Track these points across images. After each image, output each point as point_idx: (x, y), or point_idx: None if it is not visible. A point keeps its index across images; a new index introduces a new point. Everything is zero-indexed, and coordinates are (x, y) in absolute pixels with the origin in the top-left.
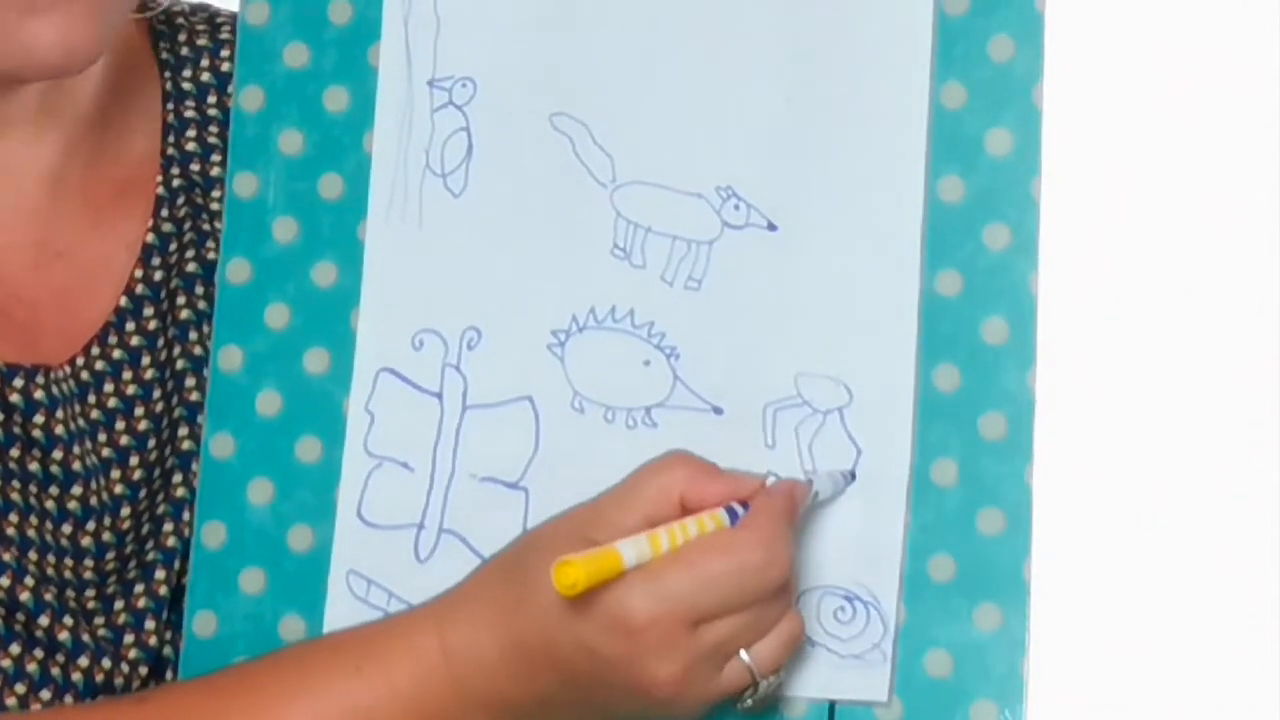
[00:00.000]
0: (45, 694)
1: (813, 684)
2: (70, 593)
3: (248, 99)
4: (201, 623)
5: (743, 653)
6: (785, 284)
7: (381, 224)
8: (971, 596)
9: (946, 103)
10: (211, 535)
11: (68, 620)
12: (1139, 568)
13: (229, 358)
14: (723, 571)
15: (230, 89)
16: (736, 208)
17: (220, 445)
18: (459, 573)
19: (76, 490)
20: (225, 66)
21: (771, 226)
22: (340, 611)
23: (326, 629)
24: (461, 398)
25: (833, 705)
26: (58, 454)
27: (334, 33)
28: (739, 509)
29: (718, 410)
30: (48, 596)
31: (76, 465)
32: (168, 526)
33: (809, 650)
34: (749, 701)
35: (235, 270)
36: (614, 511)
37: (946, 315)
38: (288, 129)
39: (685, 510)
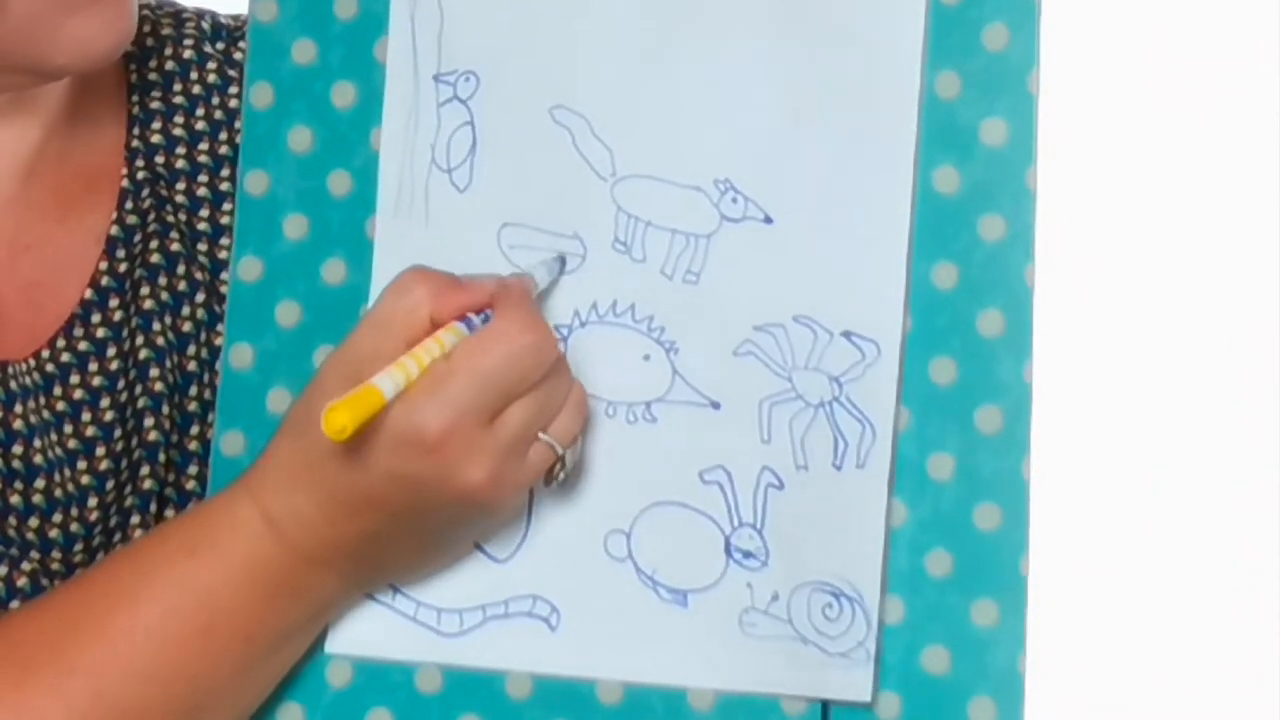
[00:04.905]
0: None
1: (801, 682)
2: (44, 582)
3: (258, 96)
4: None
5: (541, 434)
6: (780, 277)
7: (390, 220)
8: (969, 592)
9: (941, 92)
10: None
11: None
12: (1137, 562)
13: (240, 355)
14: (498, 362)
15: (194, 75)
16: (734, 200)
17: (231, 442)
18: (465, 575)
19: (40, 484)
20: (188, 54)
21: (768, 219)
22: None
23: (331, 632)
24: None
25: (825, 704)
26: (18, 449)
27: (340, 28)
28: (474, 318)
29: (715, 405)
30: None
31: (38, 459)
32: (135, 519)
33: (799, 648)
34: (561, 476)
35: (246, 268)
36: (373, 341)
37: (942, 308)
38: (297, 126)
39: (436, 325)
